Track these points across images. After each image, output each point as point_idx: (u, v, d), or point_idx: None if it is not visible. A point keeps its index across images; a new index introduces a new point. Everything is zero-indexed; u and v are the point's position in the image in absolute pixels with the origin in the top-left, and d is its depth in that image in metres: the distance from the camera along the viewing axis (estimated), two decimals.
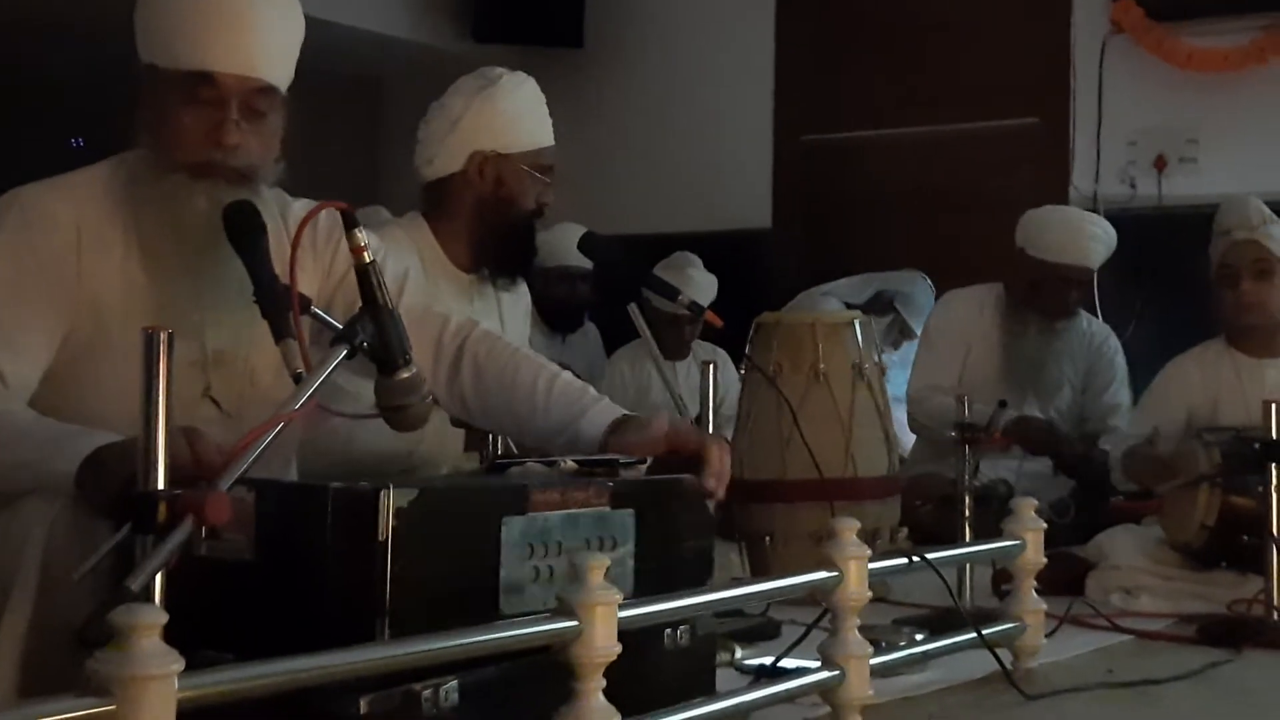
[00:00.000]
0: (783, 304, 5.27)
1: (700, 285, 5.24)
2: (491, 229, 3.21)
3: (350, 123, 7.54)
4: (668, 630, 2.03)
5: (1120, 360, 4.77)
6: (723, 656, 2.37)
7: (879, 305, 5.83)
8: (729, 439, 3.22)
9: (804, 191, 6.84)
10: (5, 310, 2.14)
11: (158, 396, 1.56)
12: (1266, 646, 2.85)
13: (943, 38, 6.49)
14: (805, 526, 3.24)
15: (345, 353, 1.94)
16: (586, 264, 4.98)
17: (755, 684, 2.15)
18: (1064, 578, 3.23)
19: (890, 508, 3.45)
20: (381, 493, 1.69)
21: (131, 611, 1.29)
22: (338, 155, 6.76)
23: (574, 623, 1.66)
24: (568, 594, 1.67)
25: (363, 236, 2.01)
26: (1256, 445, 3.08)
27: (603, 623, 1.67)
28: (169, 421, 1.57)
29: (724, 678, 2.23)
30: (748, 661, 2.48)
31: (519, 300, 3.39)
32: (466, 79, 3.27)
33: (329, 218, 2.28)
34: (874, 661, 2.14)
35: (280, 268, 2.08)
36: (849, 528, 2.11)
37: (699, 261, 5.45)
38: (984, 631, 2.48)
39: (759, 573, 3.31)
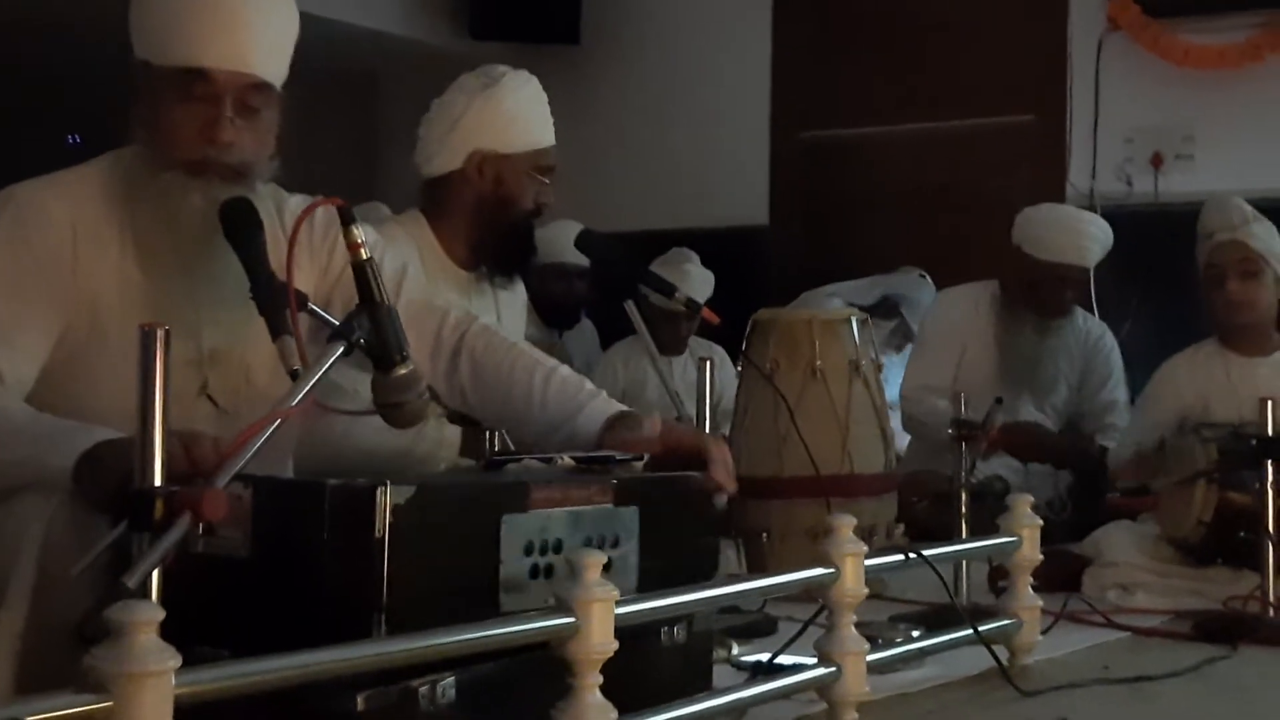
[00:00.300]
0: (779, 301, 5.26)
1: (697, 281, 5.25)
2: (490, 228, 3.21)
3: (347, 119, 7.53)
4: (664, 627, 2.03)
5: (1116, 358, 4.77)
6: (719, 653, 2.37)
7: (884, 309, 5.83)
8: (726, 436, 3.23)
9: (801, 188, 6.84)
10: (1, 307, 2.14)
11: (155, 393, 1.56)
12: (1262, 643, 2.86)
13: (940, 35, 6.49)
14: (802, 523, 3.24)
15: (342, 349, 1.94)
16: (583, 261, 4.97)
17: (752, 680, 2.15)
18: (1060, 574, 3.24)
19: (887, 504, 3.45)
20: (379, 489, 1.69)
21: (128, 608, 1.29)
22: (334, 152, 6.76)
23: (571, 619, 1.66)
24: (565, 591, 1.68)
25: (360, 233, 2.01)
26: (1253, 441, 3.09)
27: (600, 619, 1.67)
28: (166, 418, 1.57)
29: (721, 674, 2.24)
30: (744, 658, 2.49)
31: (516, 297, 3.39)
32: (469, 76, 3.26)
33: (326, 214, 2.28)
34: (870, 658, 2.15)
35: (277, 264, 2.08)
36: (845, 524, 2.12)
37: (696, 257, 5.45)
38: (980, 628, 2.48)
39: (755, 569, 3.31)
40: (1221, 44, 5.93)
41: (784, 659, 2.27)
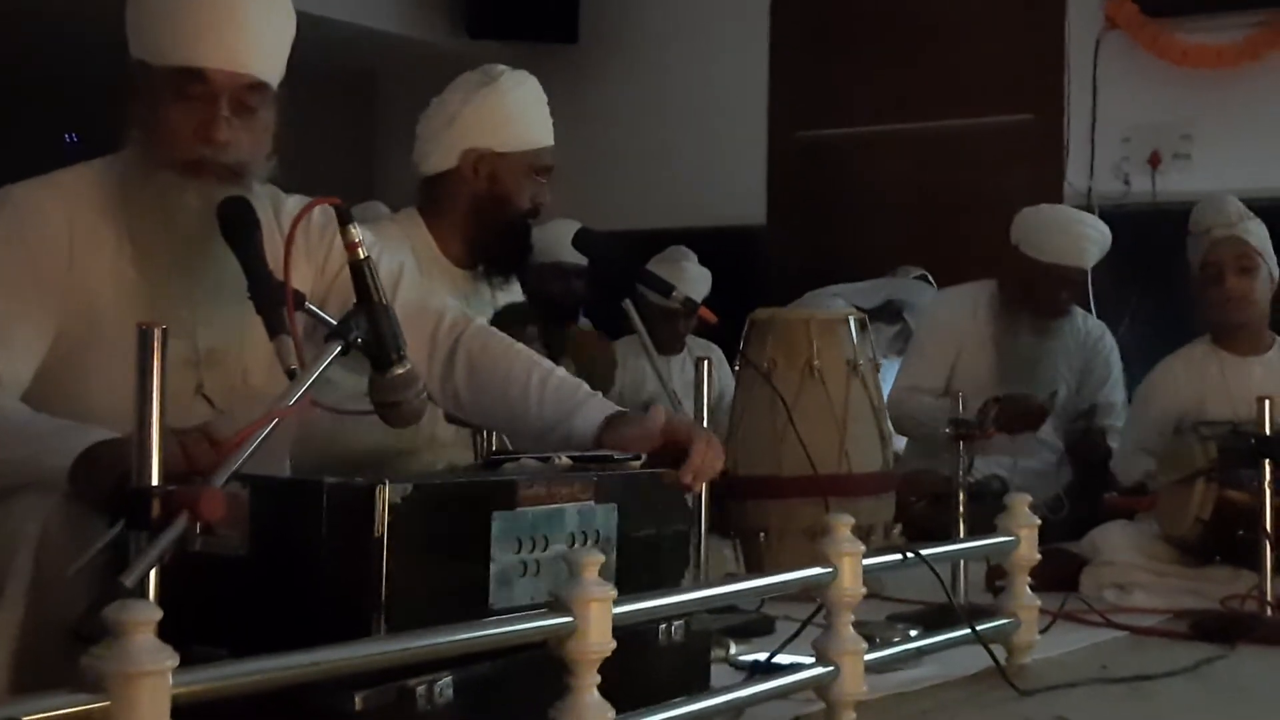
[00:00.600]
0: (777, 300, 5.25)
1: (695, 279, 5.25)
2: (486, 226, 3.20)
3: (345, 118, 7.53)
4: (662, 626, 2.03)
5: (1115, 358, 4.77)
6: (717, 652, 2.37)
7: (888, 314, 5.82)
8: (724, 434, 3.23)
9: (798, 188, 6.85)
10: None
11: (152, 392, 1.56)
12: (1260, 642, 2.86)
13: (937, 35, 6.50)
14: (800, 522, 3.24)
15: (339, 349, 1.94)
16: (581, 260, 4.96)
17: (749, 680, 2.15)
18: (1058, 574, 3.24)
19: (885, 504, 3.45)
20: (377, 488, 1.69)
21: (126, 607, 1.29)
22: (332, 151, 6.76)
23: (569, 619, 1.66)
24: (563, 590, 1.67)
25: (357, 232, 2.01)
26: (1252, 440, 3.09)
27: (597, 619, 1.67)
28: (163, 418, 1.57)
29: (718, 673, 2.23)
30: (742, 657, 2.49)
31: (513, 296, 3.39)
32: (468, 75, 3.24)
33: (323, 214, 2.28)
34: (868, 657, 2.15)
35: (274, 264, 2.08)
36: (843, 524, 2.12)
37: (694, 256, 5.45)
38: (978, 627, 2.48)
39: (753, 568, 3.31)
40: (1219, 43, 5.93)
41: (782, 658, 2.27)
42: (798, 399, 3.35)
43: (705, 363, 2.82)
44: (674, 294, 3.16)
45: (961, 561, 2.97)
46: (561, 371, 2.40)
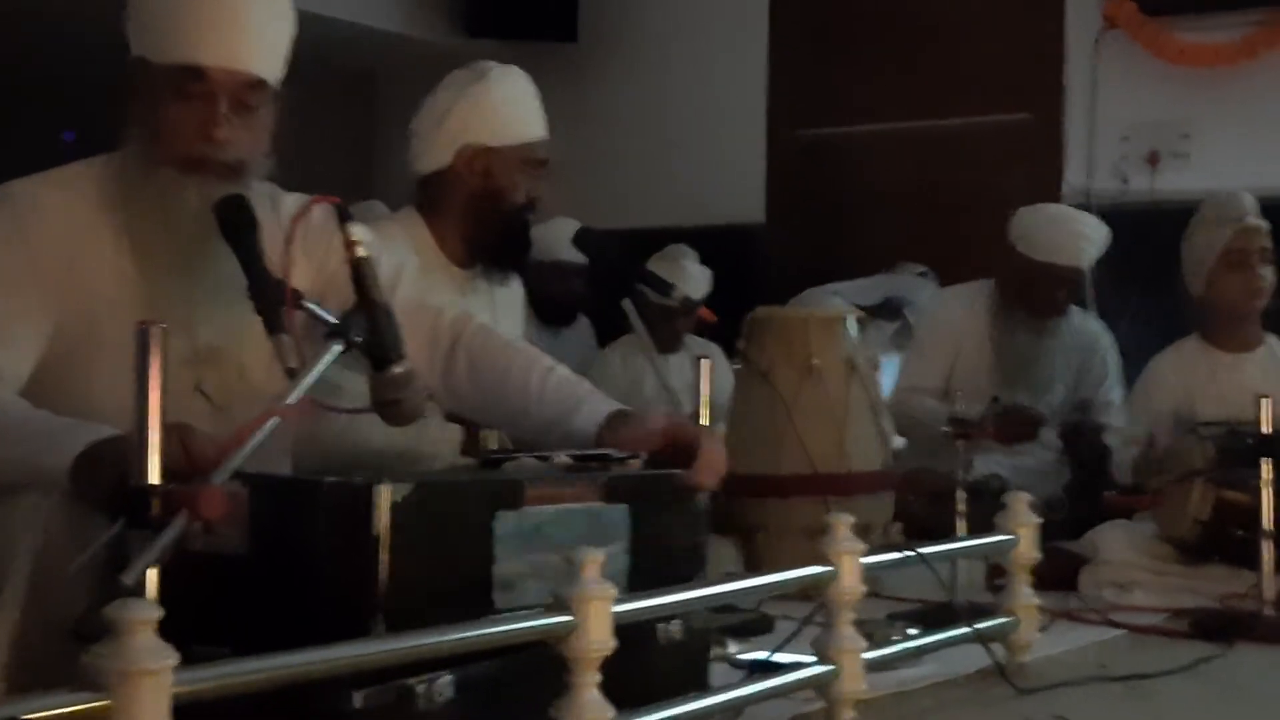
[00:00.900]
0: (776, 299, 5.26)
1: (695, 278, 5.24)
2: (484, 223, 3.20)
3: (344, 118, 7.54)
4: (661, 625, 2.03)
5: (1113, 358, 4.77)
6: (716, 651, 2.37)
7: (888, 310, 5.83)
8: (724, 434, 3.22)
9: (797, 187, 6.85)
10: None
11: (152, 390, 1.56)
12: (1258, 641, 2.86)
13: (936, 34, 6.50)
14: (799, 521, 3.23)
15: (339, 348, 1.94)
16: (580, 259, 4.97)
17: (749, 679, 2.15)
18: (1057, 573, 3.23)
19: (884, 502, 3.45)
20: (377, 487, 1.69)
21: (126, 606, 1.28)
22: (332, 150, 6.76)
23: (569, 617, 1.66)
24: (563, 589, 1.67)
25: (356, 231, 2.01)
26: (1250, 440, 3.09)
27: (598, 618, 1.67)
28: (162, 416, 1.57)
29: (718, 672, 2.23)
30: (741, 656, 2.48)
31: (513, 295, 3.39)
32: (457, 73, 3.25)
33: (322, 213, 2.28)
34: (867, 656, 2.14)
35: (273, 262, 2.08)
36: (843, 522, 2.12)
37: (693, 255, 5.45)
38: (977, 626, 2.48)
39: (752, 567, 3.31)
40: (1218, 42, 5.94)
41: (781, 657, 2.27)
42: (797, 398, 3.35)
43: (705, 363, 2.82)
44: (674, 293, 3.15)
45: (961, 560, 2.96)
46: (562, 369, 2.40)
